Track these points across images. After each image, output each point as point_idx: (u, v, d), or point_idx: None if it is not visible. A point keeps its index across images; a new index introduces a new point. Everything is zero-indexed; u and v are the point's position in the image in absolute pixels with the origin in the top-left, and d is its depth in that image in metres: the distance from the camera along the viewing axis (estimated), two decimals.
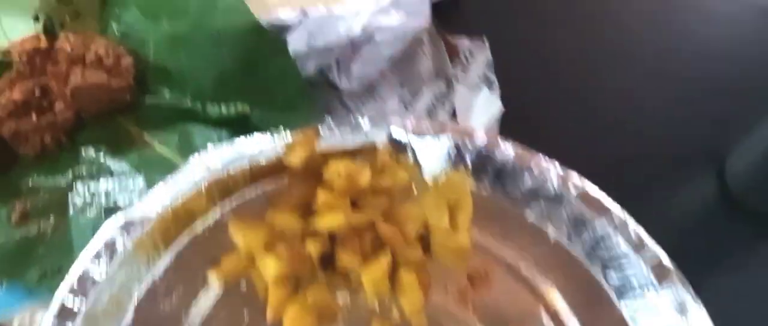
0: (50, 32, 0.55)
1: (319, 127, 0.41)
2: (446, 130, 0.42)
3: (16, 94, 0.50)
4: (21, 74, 0.52)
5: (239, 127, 0.49)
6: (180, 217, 0.39)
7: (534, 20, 0.63)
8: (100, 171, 0.50)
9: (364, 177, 0.39)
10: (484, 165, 0.41)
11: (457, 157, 0.42)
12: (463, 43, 0.57)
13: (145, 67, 0.53)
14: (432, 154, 0.42)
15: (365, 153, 0.41)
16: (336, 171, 0.39)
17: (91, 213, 0.48)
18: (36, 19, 0.56)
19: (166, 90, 0.52)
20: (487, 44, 0.57)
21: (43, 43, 0.53)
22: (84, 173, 0.50)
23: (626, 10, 0.66)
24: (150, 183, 0.49)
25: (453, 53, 0.57)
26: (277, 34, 0.50)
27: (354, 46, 0.50)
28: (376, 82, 0.53)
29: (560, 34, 0.63)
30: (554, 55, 0.61)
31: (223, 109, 0.50)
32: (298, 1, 0.52)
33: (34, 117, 0.50)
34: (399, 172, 0.40)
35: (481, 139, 0.41)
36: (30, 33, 0.54)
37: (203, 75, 0.51)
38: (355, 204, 0.39)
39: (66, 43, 0.53)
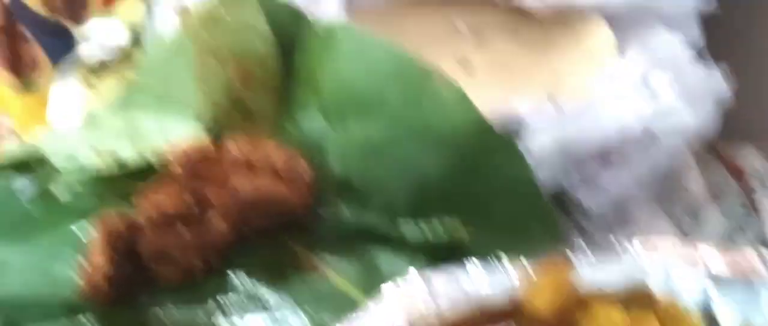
0: (215, 136, 0.46)
1: (571, 257, 0.31)
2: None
3: (167, 203, 0.40)
4: (174, 179, 0.42)
5: (445, 254, 0.36)
6: None
7: None
8: (250, 304, 0.38)
9: None
10: None
11: None
12: (751, 159, 0.41)
13: (321, 180, 0.42)
14: (740, 306, 0.30)
15: (635, 299, 0.30)
16: (608, 322, 0.25)
17: None
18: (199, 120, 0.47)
19: (347, 207, 0.41)
20: None
21: (208, 147, 0.44)
22: (230, 304, 0.38)
23: None
24: (314, 323, 0.36)
25: (735, 173, 0.41)
26: (509, 133, 0.37)
27: (610, 151, 0.37)
28: (626, 206, 0.39)
29: None
30: None
31: (425, 229, 0.37)
32: (535, 88, 0.39)
33: (184, 233, 0.40)
34: None
35: None
36: (191, 134, 0.45)
37: (399, 184, 0.39)
38: None
39: (233, 145, 0.43)
